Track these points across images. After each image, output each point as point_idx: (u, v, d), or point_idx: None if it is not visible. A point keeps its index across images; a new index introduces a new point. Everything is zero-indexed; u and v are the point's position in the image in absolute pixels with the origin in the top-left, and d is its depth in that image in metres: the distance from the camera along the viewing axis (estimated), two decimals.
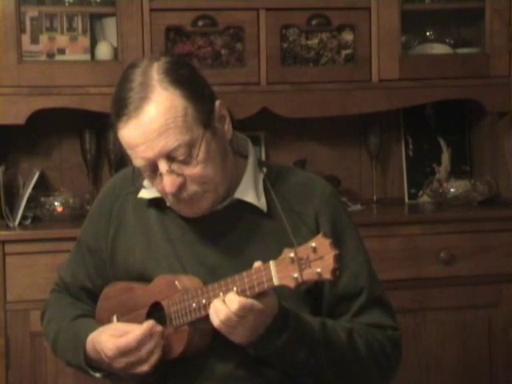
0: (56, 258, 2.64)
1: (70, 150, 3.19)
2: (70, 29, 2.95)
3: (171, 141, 1.65)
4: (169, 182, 1.68)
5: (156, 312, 1.76)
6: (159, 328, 1.71)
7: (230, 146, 1.79)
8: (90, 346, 1.79)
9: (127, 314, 1.80)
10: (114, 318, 1.82)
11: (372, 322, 1.80)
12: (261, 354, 1.68)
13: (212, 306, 1.61)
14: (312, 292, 1.77)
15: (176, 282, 1.72)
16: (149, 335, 1.70)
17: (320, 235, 1.51)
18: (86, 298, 1.96)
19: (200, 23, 2.94)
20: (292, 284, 1.52)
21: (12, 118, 2.85)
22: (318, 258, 1.49)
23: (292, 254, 1.52)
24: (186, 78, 1.69)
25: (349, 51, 3.03)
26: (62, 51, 2.95)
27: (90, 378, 1.89)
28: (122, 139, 1.70)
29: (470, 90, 3.08)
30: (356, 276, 1.80)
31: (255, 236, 1.78)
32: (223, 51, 2.97)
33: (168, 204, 1.78)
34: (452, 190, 3.17)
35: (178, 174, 1.68)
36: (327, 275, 1.48)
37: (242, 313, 1.57)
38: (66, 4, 2.97)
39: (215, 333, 1.65)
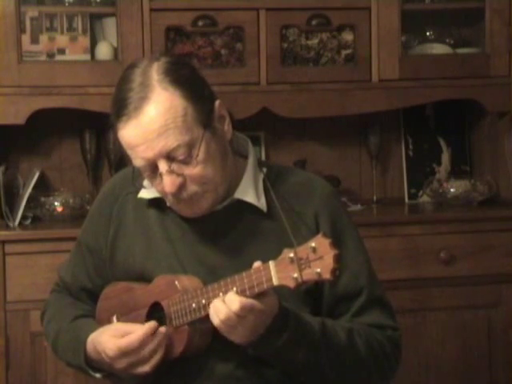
0: (56, 257, 2.64)
1: (70, 150, 3.19)
2: (70, 29, 2.95)
3: (171, 141, 1.65)
4: (169, 182, 1.68)
5: (156, 312, 1.76)
6: (162, 329, 1.71)
7: (230, 146, 1.79)
8: (90, 347, 1.79)
9: (127, 314, 1.80)
10: (114, 318, 1.82)
11: (372, 322, 1.80)
12: (261, 354, 1.68)
13: (212, 305, 1.61)
14: (312, 292, 1.77)
15: (176, 282, 1.72)
16: (150, 336, 1.70)
17: (320, 235, 1.51)
18: (86, 298, 1.96)
19: (200, 23, 2.94)
20: (292, 284, 1.52)
21: (12, 118, 2.85)
22: (317, 258, 1.49)
23: (292, 254, 1.52)
24: (185, 78, 1.69)
25: (349, 51, 3.03)
26: (61, 51, 2.95)
27: (90, 379, 1.89)
28: (121, 139, 1.70)
29: (470, 90, 3.08)
30: (356, 276, 1.80)
31: (255, 236, 1.78)
32: (223, 51, 2.97)
33: (168, 204, 1.78)
34: (452, 189, 3.17)
35: (178, 174, 1.68)
36: (327, 275, 1.48)
37: (243, 313, 1.57)
38: (66, 4, 2.97)
39: (215, 333, 1.65)
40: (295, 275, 1.51)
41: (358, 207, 3.13)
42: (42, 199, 2.98)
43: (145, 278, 1.81)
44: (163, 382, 1.79)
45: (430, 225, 2.96)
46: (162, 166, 1.68)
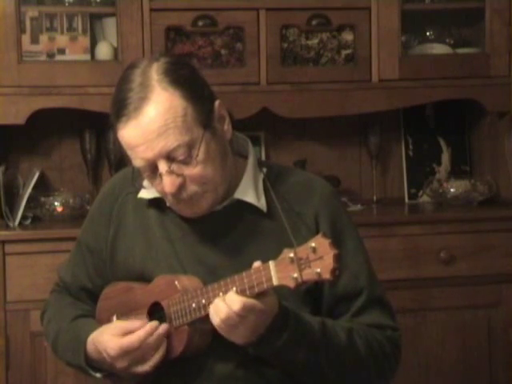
0: (56, 257, 2.64)
1: (70, 150, 3.19)
2: (70, 29, 2.95)
3: (171, 141, 1.66)
4: (168, 183, 1.68)
5: (156, 312, 1.76)
6: (162, 329, 1.71)
7: (230, 146, 1.79)
8: (91, 346, 1.79)
9: (127, 314, 1.80)
10: (114, 318, 1.82)
11: (372, 322, 1.80)
12: (261, 354, 1.68)
13: (213, 305, 1.61)
14: (312, 292, 1.77)
15: (176, 282, 1.72)
16: (151, 335, 1.70)
17: (319, 235, 1.51)
18: (86, 298, 1.96)
19: (200, 23, 2.94)
20: (292, 284, 1.52)
21: (12, 118, 2.85)
22: (317, 258, 1.49)
23: (291, 254, 1.52)
24: (185, 79, 1.69)
25: (349, 51, 3.03)
26: (61, 51, 2.95)
27: (89, 378, 1.89)
28: (121, 140, 1.70)
29: (469, 90, 3.08)
30: (356, 276, 1.80)
31: (255, 236, 1.78)
32: (223, 51, 2.97)
33: (168, 204, 1.78)
34: (452, 190, 3.17)
35: (178, 175, 1.68)
36: (327, 275, 1.48)
37: (244, 312, 1.57)
38: (66, 4, 2.97)
39: (215, 333, 1.65)
40: (295, 275, 1.51)
41: (358, 207, 3.13)
42: (42, 199, 2.98)
43: (145, 278, 1.81)
44: (163, 381, 1.79)
45: (429, 225, 2.96)
46: (162, 166, 1.68)
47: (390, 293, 1.88)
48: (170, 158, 1.67)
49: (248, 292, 1.57)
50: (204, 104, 1.70)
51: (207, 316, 1.63)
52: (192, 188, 1.70)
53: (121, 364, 1.73)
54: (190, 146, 1.67)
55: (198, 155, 1.68)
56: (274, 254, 1.56)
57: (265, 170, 1.84)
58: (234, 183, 1.79)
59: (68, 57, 2.95)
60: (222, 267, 1.75)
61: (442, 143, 3.38)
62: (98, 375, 1.83)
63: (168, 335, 1.72)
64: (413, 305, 2.91)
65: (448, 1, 3.17)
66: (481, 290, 2.96)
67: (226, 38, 2.96)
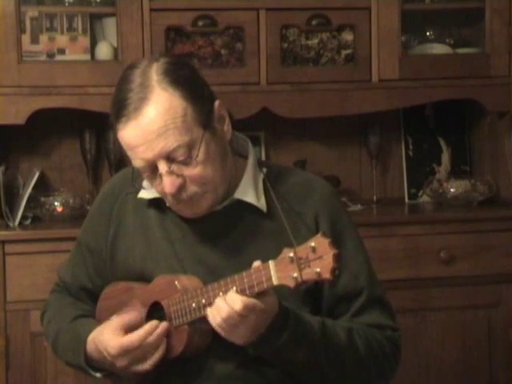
0: (56, 257, 2.64)
1: (70, 150, 3.19)
2: (70, 29, 2.95)
3: (171, 141, 1.65)
4: (168, 183, 1.68)
5: (156, 312, 1.76)
6: (162, 328, 1.71)
7: (230, 147, 1.79)
8: (91, 346, 1.79)
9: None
10: (114, 318, 1.82)
11: (371, 322, 1.80)
12: (261, 354, 1.68)
13: (214, 305, 1.61)
14: (312, 292, 1.77)
15: (176, 282, 1.72)
16: (151, 334, 1.70)
17: (319, 235, 1.51)
18: (86, 298, 1.96)
19: (200, 23, 2.94)
20: (291, 284, 1.52)
21: (12, 118, 2.85)
22: (317, 258, 1.49)
23: (291, 254, 1.52)
24: (185, 79, 1.69)
25: (349, 51, 3.03)
26: (62, 51, 2.95)
27: (89, 378, 1.89)
28: (121, 140, 1.70)
29: (469, 90, 3.08)
30: (355, 276, 1.80)
31: (255, 236, 1.78)
32: (223, 51, 2.97)
33: (168, 204, 1.78)
34: (452, 189, 3.17)
35: (178, 175, 1.68)
36: (326, 275, 1.48)
37: (245, 312, 1.57)
38: (66, 4, 2.97)
39: (215, 333, 1.65)
40: (295, 275, 1.51)
41: (358, 207, 3.13)
42: (42, 199, 2.98)
43: (145, 278, 1.81)
44: (163, 381, 1.79)
45: (429, 225, 2.96)
46: (162, 166, 1.68)
47: (390, 293, 1.88)
48: (169, 158, 1.67)
49: (248, 292, 1.57)
50: (204, 104, 1.70)
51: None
52: (192, 188, 1.70)
53: (121, 363, 1.73)
54: (189, 147, 1.67)
55: (197, 155, 1.68)
56: (274, 254, 1.56)
57: (265, 170, 1.84)
58: (233, 183, 1.79)
59: (68, 57, 2.95)
60: (222, 267, 1.75)
61: (442, 143, 3.38)
62: (98, 375, 1.83)
63: (168, 335, 1.72)
64: (413, 305, 2.91)
65: (448, 1, 3.17)
66: (481, 289, 2.96)
67: (225, 38, 2.96)
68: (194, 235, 1.80)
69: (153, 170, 1.70)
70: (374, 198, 3.28)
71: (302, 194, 1.83)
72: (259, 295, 1.58)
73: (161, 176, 1.69)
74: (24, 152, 3.16)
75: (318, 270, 1.49)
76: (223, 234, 1.79)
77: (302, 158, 3.22)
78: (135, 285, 1.82)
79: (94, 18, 3.01)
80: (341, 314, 1.80)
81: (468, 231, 2.95)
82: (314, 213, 1.80)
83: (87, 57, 2.96)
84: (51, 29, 2.94)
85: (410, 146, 3.35)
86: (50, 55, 2.95)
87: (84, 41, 2.97)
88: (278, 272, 1.53)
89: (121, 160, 3.01)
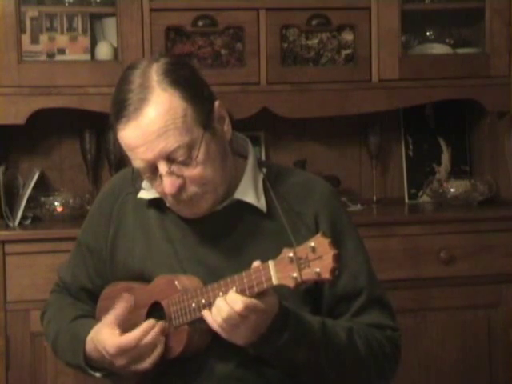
0: (56, 257, 2.64)
1: (70, 150, 3.19)
2: (70, 29, 2.95)
3: (171, 142, 1.66)
4: (168, 184, 1.68)
5: (156, 312, 1.76)
6: (158, 328, 1.71)
7: (230, 147, 1.79)
8: (90, 346, 1.79)
9: (127, 314, 1.80)
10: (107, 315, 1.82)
11: (371, 322, 1.80)
12: (261, 354, 1.68)
13: (215, 305, 1.61)
14: (311, 292, 1.77)
15: (176, 282, 1.72)
16: (148, 334, 1.70)
17: (319, 235, 1.51)
18: (86, 299, 1.96)
19: (200, 23, 2.94)
20: (291, 284, 1.52)
21: (12, 118, 2.85)
22: (316, 258, 1.49)
23: (291, 254, 1.52)
24: (185, 79, 1.69)
25: (349, 51, 3.03)
26: (62, 51, 2.95)
27: (89, 378, 1.89)
28: (121, 141, 1.70)
29: (469, 90, 3.08)
30: (355, 276, 1.80)
31: (255, 236, 1.78)
32: (223, 51, 2.97)
33: (168, 205, 1.78)
34: (452, 189, 3.17)
35: (178, 176, 1.69)
36: (326, 275, 1.48)
37: (245, 312, 1.57)
38: (66, 4, 2.97)
39: (215, 333, 1.65)
40: (294, 275, 1.51)
41: (358, 207, 3.13)
42: (42, 199, 2.98)
43: (145, 278, 1.81)
44: (163, 381, 1.79)
45: (429, 225, 2.96)
46: (162, 167, 1.68)
47: (390, 293, 1.88)
48: (169, 158, 1.67)
49: (248, 292, 1.57)
50: (204, 104, 1.70)
51: None
52: (192, 189, 1.71)
53: (120, 362, 1.73)
54: (189, 147, 1.67)
55: (197, 156, 1.68)
56: (274, 254, 1.56)
57: (264, 170, 1.84)
58: (233, 183, 1.79)
59: (68, 57, 2.95)
60: (222, 267, 1.75)
61: (442, 143, 3.38)
62: (98, 375, 1.83)
63: (168, 335, 1.72)
64: (413, 305, 2.91)
65: (448, 1, 3.17)
66: (481, 290, 2.96)
67: (226, 37, 2.96)
68: (193, 235, 1.80)
69: (153, 170, 1.70)
70: (374, 198, 3.28)
71: (301, 194, 1.83)
72: (259, 295, 1.58)
73: (161, 176, 1.69)
74: (24, 152, 3.16)
75: (318, 270, 1.49)
76: (223, 234, 1.79)
77: (302, 158, 3.22)
78: (135, 285, 1.82)
79: (94, 18, 3.01)
80: (341, 314, 1.80)
81: (468, 231, 2.95)
82: (314, 213, 1.80)
83: (87, 57, 2.96)
84: (51, 29, 2.94)
85: (410, 146, 3.35)
86: (50, 55, 2.95)
87: (84, 41, 2.97)
88: (277, 272, 1.53)
89: (121, 160, 3.01)
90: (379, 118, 3.25)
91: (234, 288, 1.59)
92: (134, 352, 1.70)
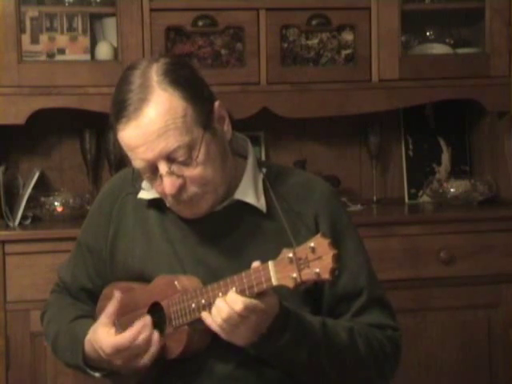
0: (56, 257, 2.64)
1: (70, 150, 3.19)
2: (70, 29, 2.95)
3: (171, 142, 1.65)
4: (169, 184, 1.68)
5: (156, 312, 1.76)
6: (148, 322, 1.71)
7: (230, 147, 1.79)
8: (89, 346, 1.79)
9: (127, 314, 1.80)
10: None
11: (372, 322, 1.80)
12: (262, 354, 1.68)
13: (214, 305, 1.61)
14: (311, 292, 1.77)
15: (175, 283, 1.72)
16: (141, 333, 1.69)
17: (319, 235, 1.51)
18: (86, 299, 1.96)
19: (200, 23, 2.94)
20: (291, 284, 1.52)
21: (12, 117, 2.85)
22: (316, 258, 1.49)
23: (291, 254, 1.52)
24: (185, 79, 1.69)
25: (349, 51, 3.03)
26: (62, 51, 2.95)
27: (89, 379, 1.89)
28: (121, 141, 1.70)
29: (469, 90, 3.08)
30: (356, 276, 1.80)
31: (255, 237, 1.78)
32: (223, 51, 2.97)
33: (168, 205, 1.78)
34: (452, 189, 3.17)
35: (178, 176, 1.68)
36: (326, 275, 1.48)
37: (245, 312, 1.57)
38: (66, 4, 2.97)
39: (215, 333, 1.65)
40: (294, 275, 1.51)
41: (358, 207, 3.13)
42: (42, 199, 2.98)
43: (144, 279, 1.81)
44: (163, 381, 1.80)
45: (430, 225, 2.96)
46: (162, 167, 1.68)
47: (390, 293, 1.88)
48: (170, 158, 1.67)
49: (247, 292, 1.57)
50: (204, 104, 1.70)
51: None
52: (192, 189, 1.71)
53: (117, 361, 1.73)
54: (190, 147, 1.67)
55: (198, 156, 1.68)
56: (274, 255, 1.56)
57: (264, 170, 1.84)
58: (233, 184, 1.79)
59: (68, 57, 2.96)
60: (222, 267, 1.75)
61: (442, 143, 3.38)
62: (97, 375, 1.83)
63: (168, 335, 1.72)
64: (413, 305, 2.91)
65: (448, 1, 3.17)
66: (481, 290, 2.95)
67: (226, 37, 2.96)
68: (193, 236, 1.80)
69: (153, 170, 1.70)
70: (374, 198, 3.28)
71: (301, 194, 1.83)
72: (259, 296, 1.58)
73: (161, 176, 1.69)
74: (24, 152, 3.16)
75: (318, 270, 1.49)
76: (223, 235, 1.79)
77: (302, 158, 3.22)
78: (135, 285, 1.83)
79: (94, 18, 3.01)
80: (341, 314, 1.80)
81: (468, 231, 2.95)
82: (314, 213, 1.80)
83: (87, 57, 2.96)
84: (51, 29, 2.94)
85: (410, 146, 3.35)
86: (50, 55, 2.95)
87: (84, 41, 2.97)
88: (277, 272, 1.53)
89: (121, 160, 3.01)
90: (379, 118, 3.25)
91: (234, 288, 1.59)
92: (130, 351, 1.70)
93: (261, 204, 1.79)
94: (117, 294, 1.76)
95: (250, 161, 1.82)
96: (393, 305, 1.86)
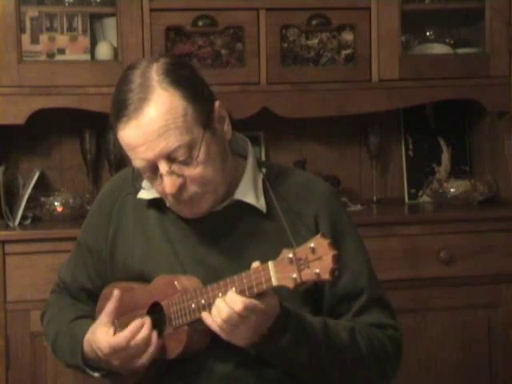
0: (56, 257, 2.64)
1: (70, 150, 3.19)
2: (70, 29, 2.95)
3: (171, 141, 1.66)
4: (169, 183, 1.68)
5: (156, 312, 1.76)
6: (147, 324, 1.71)
7: (230, 147, 1.79)
8: (87, 346, 1.79)
9: (127, 314, 1.80)
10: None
11: (373, 322, 1.80)
12: (262, 355, 1.68)
13: (214, 306, 1.61)
14: (312, 292, 1.77)
15: (175, 283, 1.72)
16: (138, 333, 1.69)
17: (319, 235, 1.51)
18: (85, 299, 1.96)
19: (200, 23, 2.94)
20: (291, 284, 1.52)
21: (12, 117, 2.85)
22: (316, 259, 1.49)
23: (291, 255, 1.52)
24: (185, 79, 1.69)
25: (349, 51, 3.03)
26: (61, 51, 2.95)
27: (89, 379, 1.89)
28: (121, 140, 1.70)
29: (469, 90, 3.08)
30: (356, 276, 1.80)
31: (255, 237, 1.78)
32: (223, 51, 2.97)
33: (168, 205, 1.78)
34: (452, 189, 3.17)
35: (178, 175, 1.69)
36: (326, 275, 1.48)
37: (245, 313, 1.57)
38: (66, 4, 2.97)
39: (215, 333, 1.65)
40: (294, 276, 1.51)
41: (358, 207, 3.13)
42: (42, 199, 2.98)
43: (144, 279, 1.81)
44: (163, 381, 1.80)
45: (430, 225, 2.95)
46: (163, 166, 1.68)
47: (390, 293, 1.88)
48: (170, 158, 1.67)
49: (247, 292, 1.57)
50: (204, 104, 1.70)
51: None
52: (192, 189, 1.71)
53: (115, 361, 1.73)
54: (190, 147, 1.67)
55: (198, 156, 1.68)
56: (274, 255, 1.56)
57: (264, 170, 1.84)
58: (233, 184, 1.79)
59: (68, 57, 2.96)
60: (222, 268, 1.75)
61: (442, 143, 3.37)
62: (97, 375, 1.83)
63: (167, 335, 1.72)
64: (413, 305, 2.91)
65: (448, 1, 3.17)
66: (480, 290, 2.95)
67: (226, 38, 2.96)
68: (193, 236, 1.80)
69: (153, 170, 1.70)
70: (374, 198, 3.28)
71: (301, 194, 1.83)
72: (259, 296, 1.58)
73: (161, 176, 1.69)
74: (24, 152, 3.16)
75: (318, 270, 1.49)
76: (223, 235, 1.79)
77: (302, 158, 3.22)
78: (135, 285, 1.82)
79: (94, 18, 3.01)
80: (342, 314, 1.80)
81: (468, 231, 2.95)
82: (314, 213, 1.80)
83: (87, 57, 2.96)
84: (51, 29, 2.94)
85: (410, 146, 3.35)
86: (50, 55, 2.95)
87: (84, 41, 2.97)
88: (277, 273, 1.53)
89: (121, 160, 3.01)
90: (379, 118, 3.25)
91: (234, 288, 1.59)
92: (127, 351, 1.70)
93: (261, 204, 1.79)
94: (116, 293, 1.76)
95: (250, 161, 1.82)
96: (393, 305, 1.86)
